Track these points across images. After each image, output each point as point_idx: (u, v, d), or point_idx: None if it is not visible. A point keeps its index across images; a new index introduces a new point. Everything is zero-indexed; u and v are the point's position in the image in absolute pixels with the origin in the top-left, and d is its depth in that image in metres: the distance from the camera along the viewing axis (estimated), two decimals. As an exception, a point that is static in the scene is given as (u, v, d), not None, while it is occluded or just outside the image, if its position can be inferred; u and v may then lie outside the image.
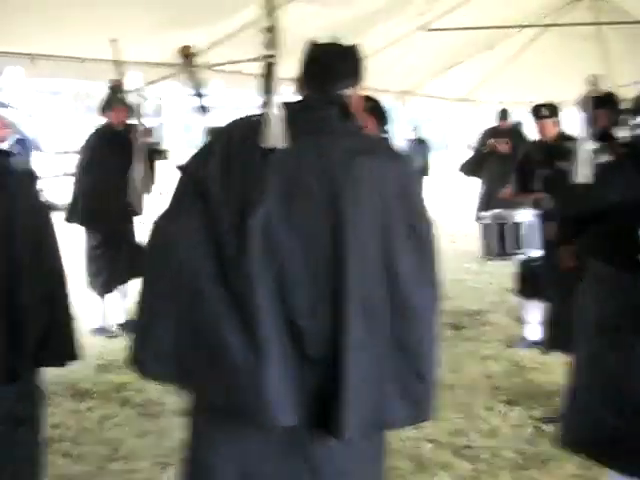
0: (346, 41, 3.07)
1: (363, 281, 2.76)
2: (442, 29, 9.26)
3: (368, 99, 5.53)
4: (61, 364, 3.64)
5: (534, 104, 7.26)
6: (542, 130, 7.23)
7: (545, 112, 7.13)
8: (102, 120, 7.68)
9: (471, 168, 11.55)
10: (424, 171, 13.39)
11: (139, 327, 2.95)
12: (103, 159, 7.37)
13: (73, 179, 7.70)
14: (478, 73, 12.13)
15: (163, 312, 2.85)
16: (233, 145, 2.88)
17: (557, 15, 10.25)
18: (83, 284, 7.71)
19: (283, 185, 2.76)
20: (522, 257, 6.78)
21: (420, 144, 14.07)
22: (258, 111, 2.95)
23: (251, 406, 2.73)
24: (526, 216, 6.64)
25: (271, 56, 2.94)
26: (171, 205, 2.94)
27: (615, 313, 3.82)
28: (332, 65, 3.00)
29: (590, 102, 5.35)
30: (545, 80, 11.10)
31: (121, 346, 7.09)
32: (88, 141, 7.60)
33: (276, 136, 2.75)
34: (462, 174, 11.86)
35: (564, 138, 7.09)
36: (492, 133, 11.25)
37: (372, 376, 2.80)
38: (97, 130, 7.67)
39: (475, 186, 11.76)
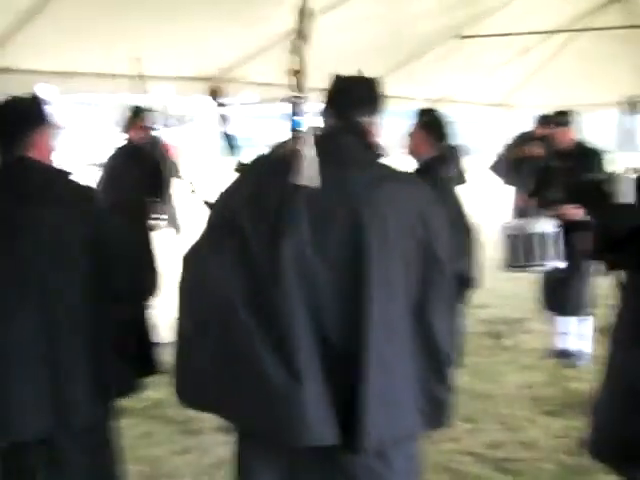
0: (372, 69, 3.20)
1: (386, 306, 2.90)
2: (475, 36, 9.23)
3: (424, 112, 5.47)
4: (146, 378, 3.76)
5: (552, 112, 7.25)
6: (561, 138, 7.20)
7: (560, 120, 7.11)
8: (124, 137, 7.72)
9: (502, 171, 11.39)
10: (460, 179, 12.96)
11: (177, 359, 3.05)
12: (124, 177, 7.40)
13: None
14: (513, 78, 12.05)
15: (199, 342, 2.95)
16: (261, 179, 3.00)
17: (591, 18, 10.15)
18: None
19: (311, 215, 2.86)
20: (546, 268, 6.70)
21: (453, 150, 13.68)
22: (285, 141, 3.04)
23: (295, 428, 2.82)
24: (549, 227, 6.58)
25: (299, 97, 3.02)
26: (202, 238, 3.05)
27: None
28: (350, 92, 3.15)
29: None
30: (580, 84, 11.03)
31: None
32: (109, 159, 7.64)
33: (310, 176, 2.83)
34: (492, 173, 11.67)
35: (580, 146, 7.06)
36: (527, 138, 11.08)
37: (391, 392, 2.92)
38: (118, 148, 7.71)
39: (509, 192, 11.63)
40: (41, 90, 6.07)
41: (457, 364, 3.23)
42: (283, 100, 3.35)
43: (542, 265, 6.63)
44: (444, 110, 11.77)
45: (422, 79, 10.37)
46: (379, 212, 2.89)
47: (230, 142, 5.03)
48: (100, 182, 7.49)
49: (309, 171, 2.83)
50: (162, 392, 6.41)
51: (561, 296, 7.11)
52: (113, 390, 3.58)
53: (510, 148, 11.29)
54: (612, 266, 4.18)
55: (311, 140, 2.87)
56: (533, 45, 10.62)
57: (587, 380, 6.73)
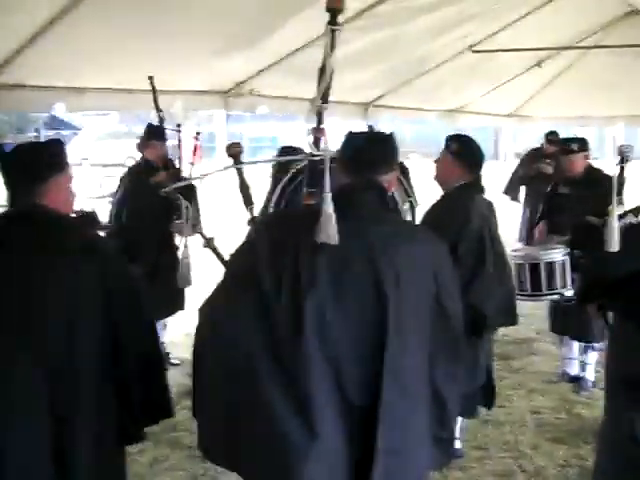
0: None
1: (401, 359, 2.98)
2: (486, 51, 9.22)
3: (455, 140, 5.27)
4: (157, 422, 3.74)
5: (563, 135, 7.17)
6: (570, 165, 7.10)
7: (574, 147, 7.01)
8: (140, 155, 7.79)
9: (512, 192, 11.38)
10: None
11: (197, 412, 3.16)
12: (138, 195, 7.41)
13: (110, 212, 7.69)
14: (526, 89, 11.99)
15: (217, 397, 3.04)
16: (283, 232, 3.10)
17: (606, 33, 10.10)
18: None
19: (332, 269, 2.94)
20: (556, 297, 6.60)
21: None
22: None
23: None
24: (558, 254, 6.45)
25: (320, 156, 3.07)
26: (223, 288, 3.13)
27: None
28: (368, 154, 3.22)
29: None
30: (592, 96, 10.98)
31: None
32: (124, 178, 7.72)
33: (330, 234, 2.93)
34: (507, 197, 11.61)
35: (590, 172, 6.98)
36: (537, 156, 11.00)
37: (403, 443, 3.01)
38: (134, 166, 7.80)
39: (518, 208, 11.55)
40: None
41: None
42: (307, 156, 3.47)
43: (551, 294, 6.53)
44: (459, 121, 11.88)
45: (437, 91, 10.37)
46: (395, 267, 2.98)
47: (246, 193, 4.98)
48: (115, 202, 7.54)
49: (328, 228, 2.92)
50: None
51: (572, 319, 7.01)
52: (116, 437, 3.54)
53: (521, 166, 11.23)
54: (599, 308, 4.18)
55: (330, 198, 2.97)
56: (547, 57, 10.59)
57: (592, 405, 6.72)
